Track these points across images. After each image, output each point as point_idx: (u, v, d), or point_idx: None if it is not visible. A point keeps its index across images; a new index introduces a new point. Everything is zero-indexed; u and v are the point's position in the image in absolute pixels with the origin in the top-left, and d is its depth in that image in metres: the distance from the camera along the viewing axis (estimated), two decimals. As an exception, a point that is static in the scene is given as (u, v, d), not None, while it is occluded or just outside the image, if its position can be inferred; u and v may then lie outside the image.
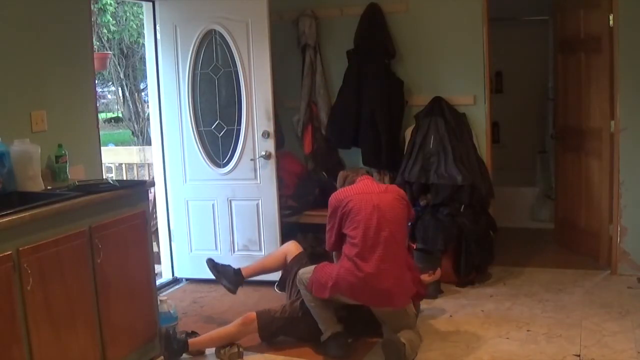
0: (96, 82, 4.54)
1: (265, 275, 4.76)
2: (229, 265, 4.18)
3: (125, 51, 9.02)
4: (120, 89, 9.44)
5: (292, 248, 4.17)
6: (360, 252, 3.48)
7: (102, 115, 10.23)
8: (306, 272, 3.71)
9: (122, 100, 9.54)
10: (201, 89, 4.86)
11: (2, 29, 3.40)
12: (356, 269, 3.47)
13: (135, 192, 3.41)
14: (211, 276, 4.90)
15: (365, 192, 3.61)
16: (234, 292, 4.12)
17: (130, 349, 3.33)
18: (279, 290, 4.41)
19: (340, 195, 3.66)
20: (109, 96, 10.98)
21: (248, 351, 3.69)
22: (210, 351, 3.68)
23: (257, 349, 3.71)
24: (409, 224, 3.99)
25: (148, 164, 6.40)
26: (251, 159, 4.76)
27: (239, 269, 4.13)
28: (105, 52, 8.17)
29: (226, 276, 4.11)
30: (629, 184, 4.66)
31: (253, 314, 3.72)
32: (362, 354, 3.64)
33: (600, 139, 4.86)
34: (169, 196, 5.04)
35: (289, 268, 4.06)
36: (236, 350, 3.60)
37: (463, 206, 4.64)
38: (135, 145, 8.91)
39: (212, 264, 4.19)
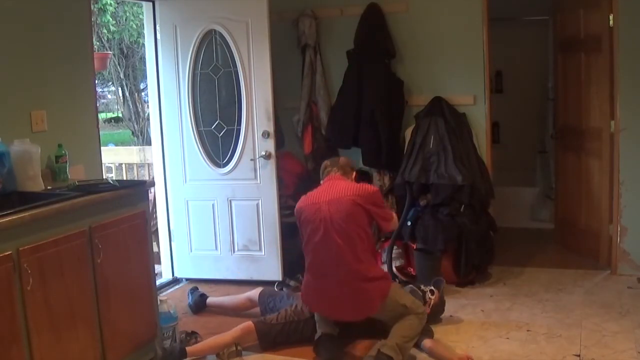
0: (96, 82, 4.54)
1: (264, 276, 4.78)
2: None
3: (125, 51, 9.02)
4: (120, 89, 9.45)
5: (251, 294, 4.21)
6: (311, 265, 3.55)
7: (102, 115, 10.23)
8: None
9: (122, 100, 9.55)
10: (201, 89, 4.86)
11: (2, 29, 3.40)
12: (310, 282, 3.56)
13: (135, 192, 3.41)
14: (211, 276, 4.93)
15: (317, 202, 3.52)
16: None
17: (130, 349, 3.33)
18: (278, 289, 4.42)
19: (299, 204, 3.64)
20: (109, 96, 10.98)
21: (248, 351, 3.69)
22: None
23: (257, 349, 3.71)
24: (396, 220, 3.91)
25: (148, 164, 6.40)
26: (251, 159, 4.76)
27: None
28: (105, 52, 8.17)
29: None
30: (629, 184, 4.66)
31: (251, 324, 3.72)
32: (362, 354, 3.64)
33: (600, 139, 4.86)
34: (169, 196, 5.04)
35: (263, 300, 4.09)
36: (234, 349, 3.61)
37: (463, 206, 4.64)
38: (135, 145, 8.91)
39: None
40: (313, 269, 3.56)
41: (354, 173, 3.85)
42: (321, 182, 3.79)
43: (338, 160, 3.82)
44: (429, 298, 3.93)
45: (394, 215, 3.80)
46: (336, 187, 3.58)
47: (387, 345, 3.35)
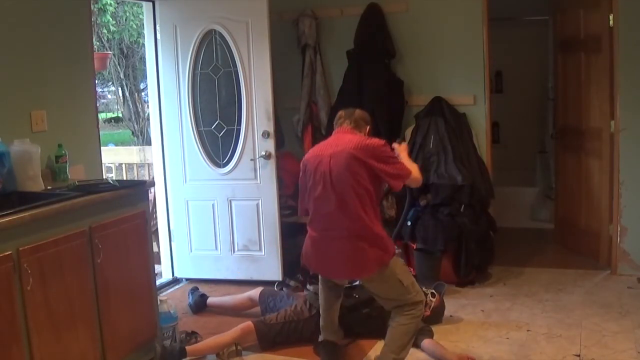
0: (96, 82, 4.54)
1: (264, 276, 4.78)
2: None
3: (125, 51, 9.02)
4: (120, 89, 9.45)
5: (252, 294, 4.20)
6: (312, 220, 3.36)
7: (102, 115, 10.24)
8: None
9: (122, 100, 9.55)
10: (201, 89, 4.86)
11: (2, 29, 3.40)
12: (310, 236, 3.38)
13: (135, 192, 3.41)
14: (211, 276, 4.93)
15: (320, 154, 3.33)
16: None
17: (130, 349, 3.33)
18: (278, 289, 4.42)
19: (306, 156, 3.46)
20: (109, 96, 10.99)
21: (247, 351, 3.69)
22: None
23: (256, 349, 3.71)
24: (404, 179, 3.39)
25: (148, 164, 6.40)
26: (251, 159, 4.76)
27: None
28: (105, 52, 8.17)
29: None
30: (629, 184, 4.66)
31: (251, 325, 3.72)
32: (362, 354, 3.64)
33: (600, 139, 4.87)
34: (169, 196, 5.04)
35: (263, 299, 4.09)
36: (234, 349, 3.61)
37: (463, 206, 4.64)
38: (135, 145, 8.91)
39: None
40: (313, 224, 3.37)
41: (368, 127, 3.55)
42: (333, 132, 3.56)
43: (353, 112, 3.52)
44: (430, 301, 3.94)
45: (409, 170, 3.36)
46: (341, 140, 3.34)
47: (385, 348, 3.29)
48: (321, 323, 3.59)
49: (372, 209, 3.26)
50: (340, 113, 3.56)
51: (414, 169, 3.42)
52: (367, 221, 3.22)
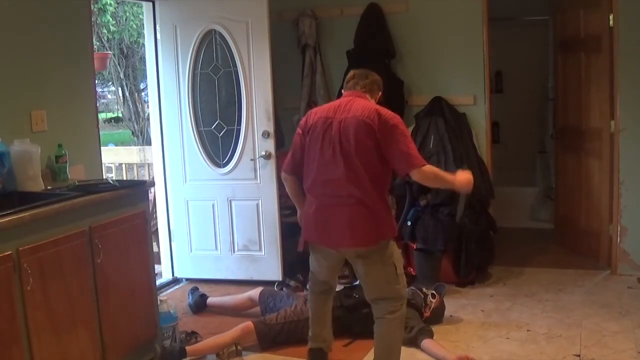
0: (96, 82, 4.54)
1: (264, 276, 4.78)
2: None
3: (125, 51, 9.02)
4: (120, 89, 9.45)
5: (252, 294, 4.18)
6: (314, 185, 3.10)
7: (102, 115, 10.24)
8: None
9: (122, 100, 9.55)
10: (201, 89, 4.86)
11: (2, 29, 3.40)
12: (311, 202, 3.13)
13: (135, 192, 3.41)
14: (211, 276, 4.93)
15: (331, 117, 3.07)
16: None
17: (130, 349, 3.33)
18: (278, 289, 4.42)
19: (310, 116, 3.18)
20: (109, 96, 10.99)
21: (247, 351, 3.69)
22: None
23: (257, 349, 3.71)
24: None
25: (148, 164, 6.40)
26: (251, 159, 4.76)
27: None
28: (105, 52, 8.17)
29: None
30: (629, 184, 4.66)
31: (251, 325, 3.72)
32: (362, 354, 3.64)
33: (600, 139, 4.87)
34: (169, 196, 5.04)
35: (263, 299, 4.08)
36: (234, 349, 3.61)
37: (463, 206, 4.64)
38: (135, 145, 8.92)
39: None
40: (316, 190, 3.11)
41: (380, 93, 3.29)
42: (342, 92, 3.28)
43: (367, 75, 3.23)
44: (430, 301, 3.95)
45: (424, 160, 3.01)
46: (353, 105, 3.08)
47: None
48: (310, 333, 3.43)
49: (379, 187, 3.05)
50: (355, 72, 3.26)
51: (450, 177, 3.08)
52: (374, 193, 3.02)
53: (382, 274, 3.11)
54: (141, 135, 9.18)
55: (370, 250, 3.07)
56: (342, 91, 3.29)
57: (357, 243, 3.06)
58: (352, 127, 3.00)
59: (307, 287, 4.21)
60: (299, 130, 3.21)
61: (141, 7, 5.23)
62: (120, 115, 10.40)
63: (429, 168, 3.03)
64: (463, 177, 3.10)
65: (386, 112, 3.05)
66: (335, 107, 3.12)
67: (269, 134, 4.69)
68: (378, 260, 3.09)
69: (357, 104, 3.09)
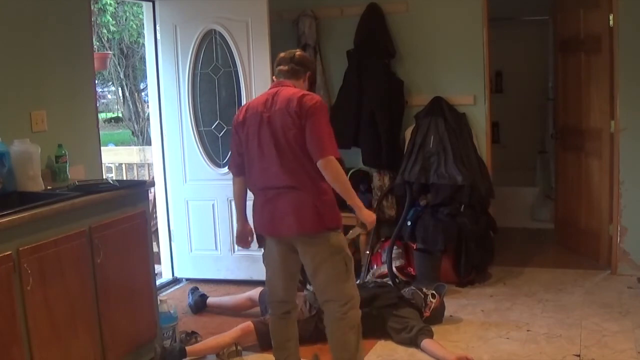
0: (96, 82, 4.54)
1: (263, 276, 4.77)
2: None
3: (125, 51, 9.03)
4: (120, 89, 9.46)
5: (252, 294, 4.18)
6: (255, 180, 3.06)
7: (102, 115, 10.24)
8: None
9: (122, 100, 9.56)
10: (201, 89, 4.86)
11: (2, 29, 3.40)
12: (255, 195, 3.09)
13: (135, 192, 3.41)
14: (211, 276, 4.93)
15: (258, 111, 3.01)
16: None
17: (130, 349, 3.33)
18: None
19: (241, 114, 3.09)
20: (109, 96, 11.00)
21: (247, 351, 3.69)
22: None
23: (257, 349, 3.71)
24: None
25: (148, 164, 6.40)
26: (251, 159, 4.75)
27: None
28: (105, 52, 8.18)
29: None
30: (629, 184, 4.66)
31: (251, 324, 3.72)
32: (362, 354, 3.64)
33: (600, 139, 4.87)
34: (169, 196, 5.04)
35: (263, 299, 4.04)
36: (234, 349, 3.61)
37: (463, 206, 4.64)
38: (135, 145, 8.92)
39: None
40: (257, 184, 3.07)
41: (308, 73, 3.17)
42: (272, 78, 3.21)
43: (292, 57, 3.11)
44: (430, 301, 3.95)
45: (335, 147, 2.98)
46: (279, 97, 3.00)
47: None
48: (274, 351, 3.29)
49: (318, 175, 2.95)
50: (278, 58, 3.15)
51: (356, 197, 3.02)
52: (312, 183, 2.95)
53: (331, 271, 3.00)
54: (141, 135, 9.19)
55: (316, 237, 2.97)
56: (273, 78, 3.21)
57: (301, 227, 2.96)
58: (279, 121, 2.95)
59: (307, 287, 4.22)
60: (232, 130, 3.14)
61: (141, 7, 5.23)
62: (120, 115, 10.42)
63: (335, 162, 2.94)
64: (369, 212, 3.09)
65: (307, 98, 2.97)
66: (264, 102, 3.04)
67: (269, 134, 4.69)
68: (327, 253, 2.98)
69: (282, 95, 3.01)
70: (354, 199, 3.02)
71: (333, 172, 2.94)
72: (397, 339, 3.76)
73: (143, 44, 6.18)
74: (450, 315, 4.12)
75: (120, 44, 8.90)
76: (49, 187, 3.32)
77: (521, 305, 4.26)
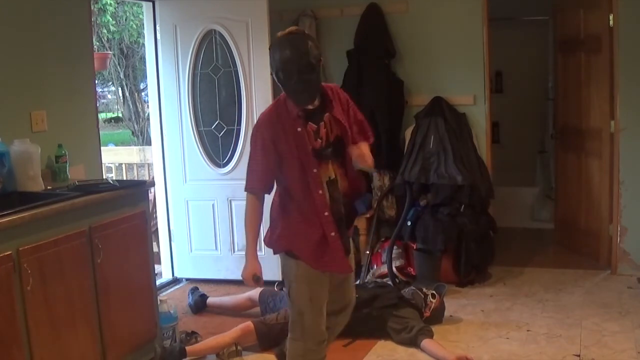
0: (96, 82, 4.54)
1: (264, 276, 4.76)
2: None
3: (125, 51, 9.03)
4: (120, 89, 9.46)
5: (252, 294, 4.19)
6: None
7: (102, 115, 10.24)
8: None
9: (122, 100, 9.56)
10: (201, 89, 4.86)
11: (2, 29, 3.40)
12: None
13: (135, 192, 3.41)
14: (211, 276, 4.93)
15: None
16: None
17: (130, 349, 3.33)
18: (278, 289, 4.42)
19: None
20: (109, 96, 11.00)
21: (247, 351, 3.69)
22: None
23: (257, 349, 3.71)
24: None
25: (148, 164, 6.40)
26: (251, 159, 4.75)
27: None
28: (105, 52, 8.18)
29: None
30: (629, 184, 4.66)
31: (251, 325, 3.72)
32: (362, 354, 3.64)
33: (600, 139, 4.87)
34: (169, 196, 5.04)
35: (263, 299, 4.08)
36: (234, 349, 3.61)
37: (463, 206, 4.64)
38: (135, 145, 8.92)
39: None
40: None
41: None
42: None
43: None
44: (430, 301, 3.95)
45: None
46: None
47: None
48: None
49: (279, 193, 3.09)
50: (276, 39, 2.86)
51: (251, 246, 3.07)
52: (275, 199, 3.10)
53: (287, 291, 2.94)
54: (141, 135, 9.19)
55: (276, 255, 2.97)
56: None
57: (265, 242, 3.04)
58: None
59: None
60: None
61: (141, 7, 5.23)
62: (120, 115, 10.42)
63: (249, 198, 3.00)
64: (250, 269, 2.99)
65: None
66: None
67: (269, 134, 4.69)
68: (283, 272, 3.01)
69: None
70: (250, 248, 3.07)
71: (246, 207, 3.02)
72: (397, 339, 3.76)
73: (143, 44, 6.18)
74: (450, 315, 4.12)
75: (120, 44, 8.90)
76: (49, 187, 3.32)
77: (521, 305, 4.26)
